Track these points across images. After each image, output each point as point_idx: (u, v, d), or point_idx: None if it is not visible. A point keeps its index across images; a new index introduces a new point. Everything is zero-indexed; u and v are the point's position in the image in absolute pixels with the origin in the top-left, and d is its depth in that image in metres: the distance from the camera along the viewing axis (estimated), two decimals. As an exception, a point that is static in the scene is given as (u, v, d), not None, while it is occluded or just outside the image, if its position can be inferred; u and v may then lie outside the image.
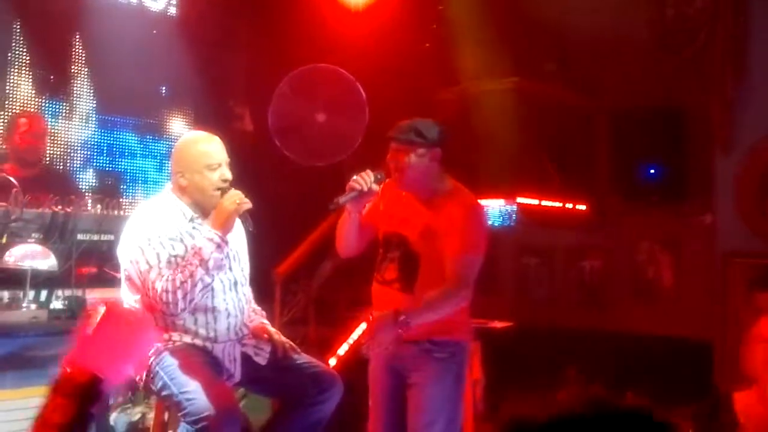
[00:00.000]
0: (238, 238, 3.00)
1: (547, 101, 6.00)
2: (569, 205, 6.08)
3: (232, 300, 2.90)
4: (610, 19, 5.31)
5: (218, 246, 2.72)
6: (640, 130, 5.74)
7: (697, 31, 5.47)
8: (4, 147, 4.60)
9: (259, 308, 3.15)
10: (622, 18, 5.32)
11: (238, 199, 2.79)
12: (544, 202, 5.84)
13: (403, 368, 3.00)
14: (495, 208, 5.64)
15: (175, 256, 2.73)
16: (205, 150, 2.86)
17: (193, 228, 2.82)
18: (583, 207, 6.17)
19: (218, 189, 2.84)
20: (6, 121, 4.79)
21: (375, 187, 2.95)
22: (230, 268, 2.90)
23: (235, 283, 2.93)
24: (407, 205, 3.02)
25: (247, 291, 3.05)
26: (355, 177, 2.97)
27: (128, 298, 2.83)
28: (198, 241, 2.74)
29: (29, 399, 3.31)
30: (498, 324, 4.75)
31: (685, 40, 5.44)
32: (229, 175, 2.86)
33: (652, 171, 5.81)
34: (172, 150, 2.97)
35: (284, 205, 5.26)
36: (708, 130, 5.54)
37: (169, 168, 2.95)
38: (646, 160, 5.81)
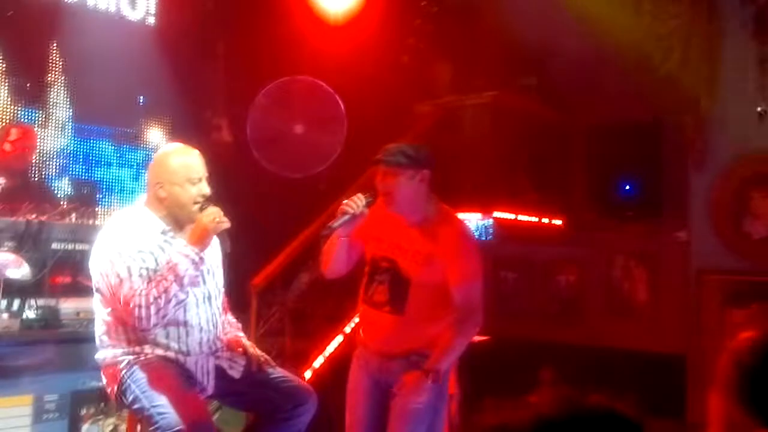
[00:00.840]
0: (213, 251, 2.97)
1: (524, 116, 6.04)
2: (545, 220, 6.11)
3: (206, 314, 2.87)
4: (588, 36, 5.36)
5: (194, 263, 2.68)
6: (617, 147, 5.80)
7: (672, 50, 5.54)
8: None
9: (234, 320, 3.12)
10: (599, 35, 5.38)
11: (217, 217, 2.75)
12: (521, 217, 5.87)
13: (387, 381, 3.04)
14: (472, 222, 5.66)
15: (147, 269, 2.69)
16: (186, 163, 2.82)
17: (165, 241, 2.79)
18: (559, 222, 6.21)
19: (197, 203, 2.81)
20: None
21: (366, 211, 2.96)
22: (204, 282, 2.87)
23: (209, 297, 2.90)
24: (397, 229, 3.04)
25: (221, 303, 3.02)
26: (345, 201, 2.97)
27: (100, 312, 2.79)
28: (174, 256, 2.69)
29: (1, 409, 3.27)
30: (475, 338, 4.75)
31: (660, 59, 5.51)
32: (208, 190, 2.83)
33: (628, 187, 5.87)
34: (152, 160, 2.90)
35: (262, 216, 5.24)
36: (683, 148, 5.61)
37: (146, 179, 2.89)
38: (622, 176, 5.86)
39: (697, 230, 5.61)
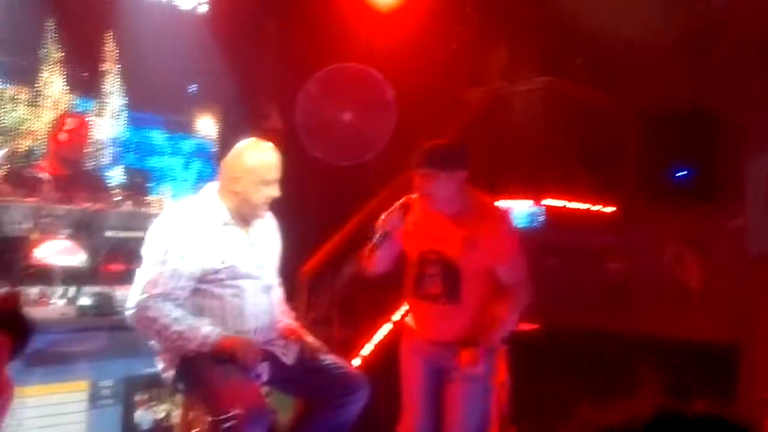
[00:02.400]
0: (271, 242, 3.02)
1: (576, 102, 5.95)
2: (597, 207, 6.02)
3: (263, 304, 2.92)
4: (642, 20, 5.25)
5: (202, 345, 2.71)
6: (670, 132, 5.68)
7: (727, 33, 5.40)
8: (43, 144, 4.66)
9: (287, 308, 3.16)
10: (653, 19, 5.26)
11: (250, 360, 2.75)
12: (572, 204, 5.80)
13: (442, 365, 3.12)
14: (521, 209, 5.61)
15: (180, 273, 2.74)
16: (264, 162, 2.85)
17: (225, 231, 2.83)
18: (611, 209, 6.10)
19: (266, 203, 2.88)
20: (43, 118, 4.85)
21: (402, 222, 3.13)
22: (260, 274, 2.92)
23: (268, 287, 2.95)
24: (437, 222, 3.12)
25: (278, 293, 3.07)
26: (387, 213, 3.14)
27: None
28: (204, 328, 2.73)
29: (57, 395, 3.36)
30: (524, 326, 4.72)
31: (716, 41, 5.37)
32: (277, 194, 2.88)
33: (682, 173, 5.75)
34: (231, 154, 2.91)
35: (310, 204, 5.27)
36: (739, 133, 5.47)
37: (222, 169, 2.92)
38: (675, 161, 5.74)
39: (752, 216, 5.46)
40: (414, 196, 3.17)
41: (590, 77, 6.12)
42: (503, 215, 3.23)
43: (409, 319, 3.33)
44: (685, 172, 5.75)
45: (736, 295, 5.44)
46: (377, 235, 3.14)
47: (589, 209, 5.98)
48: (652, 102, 5.82)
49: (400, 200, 3.20)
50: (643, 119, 5.95)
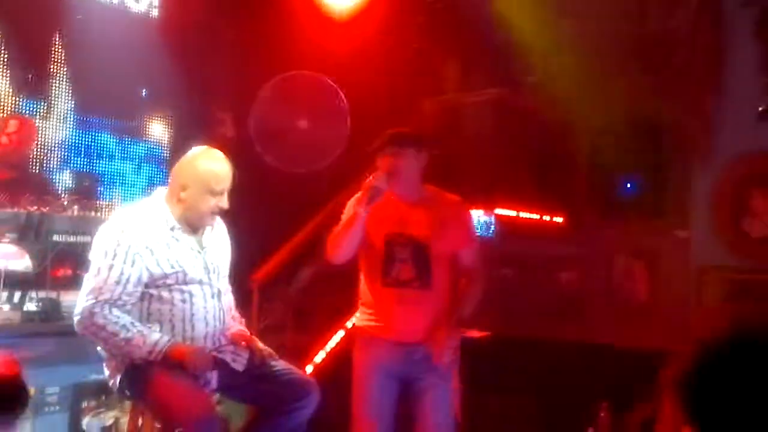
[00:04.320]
0: (220, 248, 2.99)
1: (527, 114, 6.03)
2: (547, 218, 6.11)
3: (213, 309, 2.88)
4: (592, 35, 5.36)
5: (149, 353, 2.67)
6: (620, 144, 5.79)
7: (676, 47, 5.55)
8: None
9: (237, 315, 3.14)
10: (603, 34, 5.38)
11: (200, 368, 2.72)
12: (522, 214, 5.87)
13: (410, 372, 3.12)
14: (474, 219, 5.66)
15: (128, 277, 2.70)
16: (214, 172, 2.82)
17: (173, 237, 2.80)
18: (560, 219, 6.20)
19: (213, 213, 2.85)
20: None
21: (386, 185, 3.10)
22: (210, 279, 2.89)
23: (218, 293, 2.92)
24: (402, 207, 3.17)
25: (228, 299, 3.05)
26: (371, 177, 3.12)
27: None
28: (152, 334, 2.69)
29: (0, 402, 3.26)
30: (475, 333, 4.76)
31: (664, 57, 5.51)
32: (226, 205, 2.85)
33: (630, 185, 5.87)
34: (182, 161, 2.89)
35: (264, 211, 5.24)
36: (686, 146, 5.61)
37: (172, 176, 2.90)
38: (624, 174, 5.86)
39: (697, 229, 5.60)
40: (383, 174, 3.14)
41: (541, 88, 6.21)
42: (461, 202, 3.32)
43: (366, 322, 3.25)
44: (633, 185, 5.87)
45: (683, 305, 5.56)
46: (369, 193, 3.04)
47: (540, 219, 6.06)
48: (602, 115, 5.93)
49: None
50: (593, 131, 6.06)
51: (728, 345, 0.87)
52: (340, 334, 4.77)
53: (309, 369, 4.53)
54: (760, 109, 5.25)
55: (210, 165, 2.83)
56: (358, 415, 3.19)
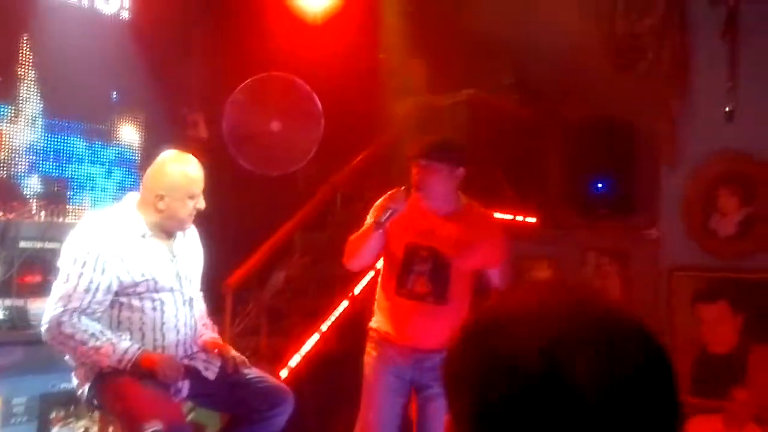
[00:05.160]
0: (192, 255, 2.97)
1: (500, 114, 6.06)
2: (520, 218, 6.14)
3: (183, 317, 2.86)
4: (565, 35, 5.40)
5: (119, 362, 2.64)
6: (591, 145, 5.83)
7: (646, 48, 5.61)
8: None
9: (210, 322, 3.11)
10: (576, 34, 5.42)
11: (171, 377, 2.70)
12: (496, 214, 5.88)
13: (420, 379, 3.06)
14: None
15: (97, 285, 2.66)
16: (191, 178, 2.79)
17: (143, 243, 2.77)
18: (533, 219, 6.24)
19: (191, 216, 2.82)
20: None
21: (405, 204, 3.00)
22: (181, 286, 2.86)
23: (188, 301, 2.90)
24: (431, 220, 3.06)
25: (200, 306, 3.02)
26: (389, 194, 3.03)
27: None
28: (122, 343, 2.66)
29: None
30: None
31: (635, 57, 5.57)
32: (203, 206, 2.83)
33: (601, 185, 5.91)
34: (153, 168, 2.84)
35: (237, 214, 5.21)
36: (655, 147, 5.67)
37: (145, 184, 2.84)
38: (596, 174, 5.90)
39: (667, 228, 5.67)
40: (403, 188, 3.06)
41: (514, 89, 6.24)
42: (497, 222, 3.30)
43: (380, 324, 3.17)
44: (604, 184, 5.91)
45: (654, 304, 5.63)
46: (383, 215, 2.96)
47: (512, 219, 6.09)
48: (574, 115, 5.98)
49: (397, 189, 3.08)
50: (565, 132, 6.10)
51: (471, 326, 0.87)
52: (315, 337, 4.75)
53: (284, 373, 4.52)
54: (727, 109, 5.31)
55: (183, 170, 2.80)
56: (365, 414, 3.13)
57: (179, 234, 2.90)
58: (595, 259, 6.15)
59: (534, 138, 6.26)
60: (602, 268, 6.11)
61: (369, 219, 3.10)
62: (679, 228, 5.59)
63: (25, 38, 5.12)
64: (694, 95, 5.50)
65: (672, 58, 5.51)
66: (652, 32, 5.62)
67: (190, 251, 2.95)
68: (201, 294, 3.05)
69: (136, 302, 2.75)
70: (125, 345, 2.67)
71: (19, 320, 3.38)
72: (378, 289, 3.23)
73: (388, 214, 2.97)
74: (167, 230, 2.84)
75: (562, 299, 0.83)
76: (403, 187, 3.00)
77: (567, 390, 0.74)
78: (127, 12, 5.59)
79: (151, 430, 2.52)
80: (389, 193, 3.03)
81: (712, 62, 5.40)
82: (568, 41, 5.38)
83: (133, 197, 2.88)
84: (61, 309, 2.64)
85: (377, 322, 3.19)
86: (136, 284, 2.74)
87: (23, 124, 5.09)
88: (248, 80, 5.03)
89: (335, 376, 4.04)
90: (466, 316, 2.81)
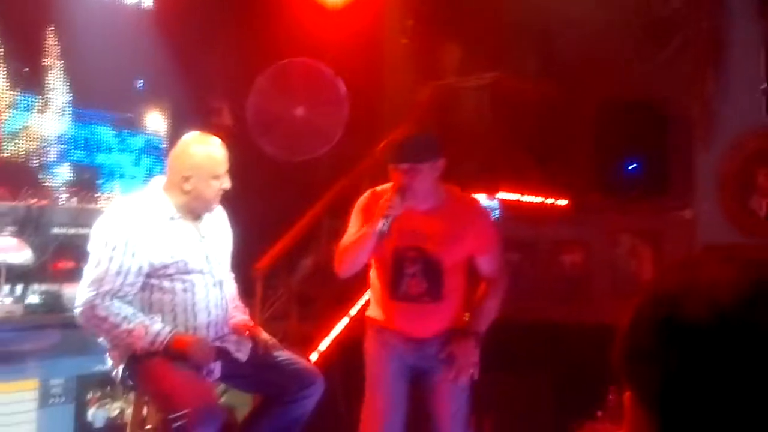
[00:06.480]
0: (220, 237, 2.96)
1: (527, 96, 5.98)
2: (550, 200, 6.07)
3: (215, 297, 2.87)
4: (595, 14, 5.32)
5: (151, 344, 2.65)
6: (622, 125, 5.74)
7: (679, 27, 5.50)
8: None
9: (241, 304, 3.12)
10: (606, 13, 5.33)
11: (203, 358, 2.71)
12: (525, 197, 5.83)
13: (423, 365, 3.06)
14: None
15: (127, 269, 2.67)
16: (212, 156, 2.79)
17: (172, 226, 2.77)
18: (564, 202, 6.16)
19: (218, 196, 2.83)
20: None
21: (402, 208, 2.91)
22: (211, 269, 2.86)
23: (220, 282, 2.90)
24: (414, 219, 2.97)
25: (231, 288, 3.03)
26: (385, 198, 2.93)
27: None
28: (155, 324, 2.67)
29: (5, 395, 3.26)
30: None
31: (669, 35, 5.46)
32: (229, 185, 2.83)
33: (633, 166, 5.82)
34: (177, 150, 2.84)
35: (264, 199, 5.21)
36: (689, 126, 5.57)
37: (170, 166, 2.85)
38: (627, 155, 5.81)
39: (702, 208, 5.57)
40: (380, 188, 3.02)
41: (542, 69, 6.16)
42: (481, 207, 3.22)
43: (375, 314, 3.15)
44: (637, 165, 5.82)
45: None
46: (381, 223, 2.85)
47: (543, 203, 6.03)
48: (604, 95, 5.89)
49: (381, 188, 3.02)
50: (594, 112, 6.01)
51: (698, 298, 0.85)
52: (345, 321, 4.74)
53: (314, 357, 4.52)
54: (763, 87, 5.20)
55: (207, 150, 2.81)
56: (371, 399, 3.10)
57: (207, 216, 2.90)
58: (628, 241, 6.06)
59: (564, 120, 6.17)
60: (635, 250, 6.03)
61: (355, 222, 3.03)
62: (714, 208, 5.49)
63: (51, 29, 5.15)
64: (729, 73, 5.38)
65: (707, 35, 5.40)
66: (686, 9, 5.51)
67: (218, 233, 2.95)
68: (232, 276, 3.05)
69: (167, 284, 2.76)
70: (157, 327, 2.67)
71: (54, 304, 3.42)
72: (371, 283, 3.18)
73: (389, 220, 2.89)
74: (195, 212, 2.84)
75: (727, 266, 0.86)
76: (397, 191, 2.90)
77: (757, 346, 0.78)
78: (152, 1, 5.61)
79: (184, 411, 2.53)
80: (384, 198, 2.92)
81: (748, 39, 5.28)
82: (601, 19, 5.29)
83: (159, 181, 2.89)
84: (94, 292, 2.65)
85: (374, 312, 3.16)
86: (166, 266, 2.74)
87: (52, 113, 5.14)
88: (272, 66, 5.03)
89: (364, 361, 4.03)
90: (462, 305, 2.70)
